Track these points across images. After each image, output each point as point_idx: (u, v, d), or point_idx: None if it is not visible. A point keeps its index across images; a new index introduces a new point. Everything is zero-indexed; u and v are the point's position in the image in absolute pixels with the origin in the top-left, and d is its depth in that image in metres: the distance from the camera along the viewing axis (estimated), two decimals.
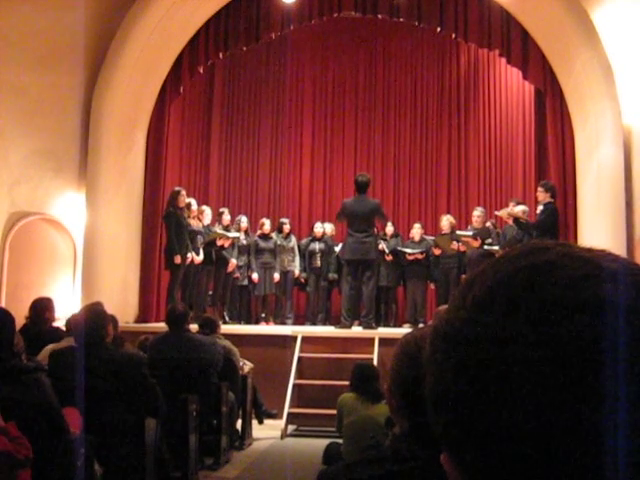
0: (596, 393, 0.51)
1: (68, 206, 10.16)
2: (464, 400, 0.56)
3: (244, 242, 11.68)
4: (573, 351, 0.52)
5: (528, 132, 13.22)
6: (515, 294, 0.56)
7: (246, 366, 8.33)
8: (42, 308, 6.85)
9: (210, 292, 11.38)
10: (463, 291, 0.60)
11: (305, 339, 9.62)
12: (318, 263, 11.87)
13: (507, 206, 11.06)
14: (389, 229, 11.85)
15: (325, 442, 6.19)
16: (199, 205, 11.34)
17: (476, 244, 10.48)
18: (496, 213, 10.94)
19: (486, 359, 0.55)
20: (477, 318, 0.57)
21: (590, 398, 0.51)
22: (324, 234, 12.04)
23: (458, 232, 10.92)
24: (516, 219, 10.02)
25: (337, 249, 11.66)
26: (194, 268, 10.69)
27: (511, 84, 13.60)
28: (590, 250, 0.60)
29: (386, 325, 11.37)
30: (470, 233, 10.60)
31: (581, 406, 0.51)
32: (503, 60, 11.83)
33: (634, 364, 0.52)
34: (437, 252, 11.25)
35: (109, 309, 5.09)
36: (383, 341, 9.21)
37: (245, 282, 11.73)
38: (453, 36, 11.73)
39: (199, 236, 10.79)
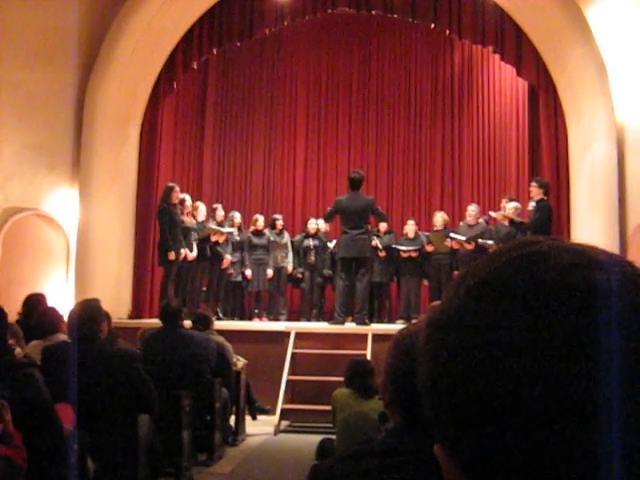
0: (590, 375, 0.52)
1: (61, 202, 10.14)
2: (458, 387, 0.56)
3: (237, 238, 11.68)
4: (566, 335, 0.53)
5: (522, 128, 13.24)
6: (507, 281, 0.57)
7: (239, 362, 8.32)
8: (34, 304, 6.84)
9: (204, 288, 11.37)
10: (457, 284, 0.61)
11: (298, 335, 9.62)
12: (312, 259, 11.89)
13: (500, 202, 11.10)
14: (383, 225, 11.87)
15: (318, 438, 6.19)
16: (193, 201, 11.32)
17: (470, 247, 10.51)
18: (491, 214, 10.95)
19: (480, 345, 0.56)
20: (470, 306, 0.58)
21: (585, 381, 0.52)
22: (318, 230, 12.04)
23: (452, 234, 10.91)
24: (511, 220, 10.07)
25: (331, 245, 11.67)
26: (188, 264, 10.67)
27: (505, 80, 13.61)
28: (579, 244, 0.61)
29: (379, 321, 11.41)
30: (464, 238, 10.62)
31: (576, 388, 0.52)
32: (497, 57, 11.84)
33: (625, 346, 0.52)
34: (430, 249, 11.27)
35: (102, 305, 5.08)
36: (376, 337, 9.21)
37: (239, 278, 11.74)
38: (447, 33, 11.75)
39: (193, 232, 10.77)
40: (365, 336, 9.36)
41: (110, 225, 10.70)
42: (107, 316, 5.25)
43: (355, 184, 9.99)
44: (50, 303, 7.05)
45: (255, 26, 11.48)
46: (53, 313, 5.81)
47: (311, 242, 11.94)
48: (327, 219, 10.71)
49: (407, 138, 14.17)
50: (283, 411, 8.84)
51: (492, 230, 10.73)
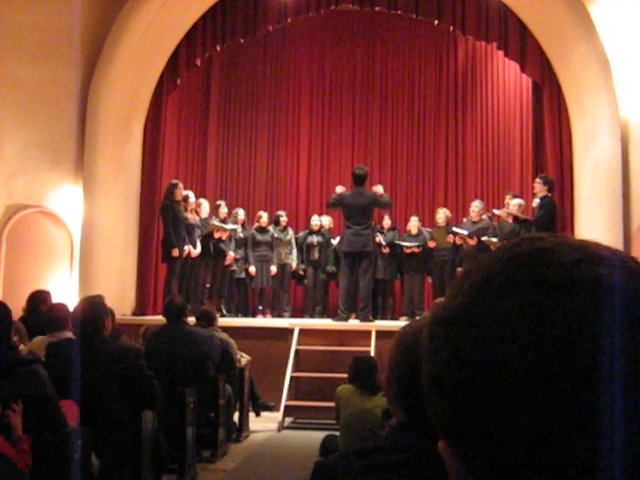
0: (593, 371, 0.52)
1: (65, 199, 10.15)
2: (462, 383, 0.56)
3: (241, 235, 11.69)
4: (569, 330, 0.53)
5: (525, 125, 13.22)
6: (510, 278, 0.57)
7: (243, 359, 8.34)
8: (38, 300, 6.86)
9: (208, 285, 11.38)
10: (461, 280, 0.61)
11: (302, 332, 9.64)
12: (316, 256, 11.88)
13: (504, 199, 11.09)
14: (386, 222, 11.87)
15: (322, 434, 6.20)
16: (197, 198, 11.33)
17: (472, 242, 10.49)
18: (495, 212, 10.94)
19: (484, 341, 0.56)
20: (474, 302, 0.58)
21: (588, 375, 0.52)
22: (321, 227, 12.04)
23: (455, 229, 10.91)
24: (515, 217, 10.06)
25: (334, 242, 11.67)
26: (191, 261, 10.68)
27: (509, 77, 13.59)
28: (582, 240, 0.61)
29: (383, 318, 11.40)
30: (466, 232, 10.61)
31: (579, 384, 0.52)
32: (501, 53, 11.81)
33: (630, 342, 0.53)
34: (432, 245, 11.26)
35: (106, 302, 5.09)
36: (380, 334, 9.22)
37: (242, 275, 11.74)
38: (451, 29, 11.74)
39: (196, 229, 10.78)
40: (369, 333, 9.37)
41: (114, 222, 10.70)
42: (111, 313, 5.25)
43: (359, 180, 10.00)
44: (54, 300, 7.06)
45: (258, 23, 11.47)
46: (62, 309, 5.80)
47: (315, 239, 11.94)
48: (330, 205, 10.60)
49: (411, 135, 14.16)
50: (287, 408, 8.86)
51: (496, 227, 10.73)
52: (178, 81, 11.72)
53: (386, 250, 11.54)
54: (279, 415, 8.73)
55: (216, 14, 11.40)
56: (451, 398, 0.58)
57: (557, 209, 10.21)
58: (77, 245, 10.16)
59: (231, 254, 11.32)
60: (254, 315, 11.89)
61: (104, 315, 4.86)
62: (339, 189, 10.48)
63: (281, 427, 8.62)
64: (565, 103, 10.65)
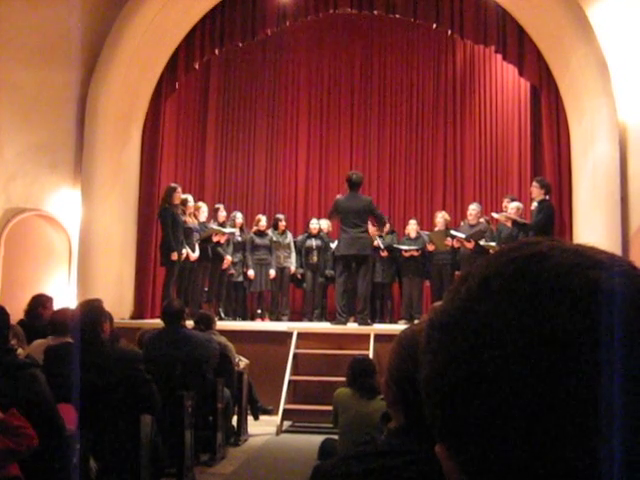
0: (592, 376, 0.52)
1: (63, 202, 10.15)
2: (459, 387, 0.56)
3: (239, 238, 11.69)
4: (566, 334, 0.53)
5: (524, 128, 13.22)
6: (508, 282, 0.57)
7: (242, 362, 8.33)
8: (37, 304, 6.85)
9: (206, 288, 11.38)
10: (458, 284, 0.61)
11: (301, 335, 9.63)
12: (314, 259, 11.88)
13: (502, 202, 11.09)
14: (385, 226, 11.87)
15: (320, 438, 6.20)
16: (195, 201, 11.33)
17: (469, 246, 10.49)
18: (494, 216, 10.94)
19: (481, 345, 0.56)
20: (471, 306, 0.58)
21: (586, 379, 0.52)
22: (320, 230, 12.04)
23: (452, 232, 10.91)
24: (514, 221, 10.06)
25: (333, 245, 11.67)
26: (190, 264, 10.67)
27: (507, 80, 13.60)
28: (579, 245, 0.61)
29: (381, 321, 11.40)
30: (463, 235, 10.60)
31: (577, 388, 0.52)
32: (499, 57, 11.84)
33: (628, 346, 0.53)
34: (431, 248, 11.26)
35: (104, 305, 5.08)
36: (378, 337, 9.21)
37: (240, 278, 11.74)
38: (449, 33, 11.74)
39: (195, 232, 10.77)
40: (367, 336, 9.36)
41: (112, 225, 10.70)
42: (109, 316, 5.24)
43: (354, 185, 10.00)
44: (54, 304, 7.05)
45: (257, 26, 11.48)
46: (66, 314, 5.78)
47: (313, 242, 11.93)
48: (329, 216, 10.78)
49: (409, 138, 14.17)
50: (285, 411, 8.85)
51: (493, 230, 10.73)
52: (177, 84, 11.73)
53: (384, 253, 11.54)
54: (277, 419, 8.71)
55: (215, 18, 11.42)
56: (448, 402, 0.58)
57: (555, 213, 10.21)
58: (75, 248, 10.15)
59: (228, 258, 11.32)
60: (252, 319, 11.89)
61: (102, 319, 4.86)
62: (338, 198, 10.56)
63: (279, 431, 8.61)
64: (563, 106, 10.66)
